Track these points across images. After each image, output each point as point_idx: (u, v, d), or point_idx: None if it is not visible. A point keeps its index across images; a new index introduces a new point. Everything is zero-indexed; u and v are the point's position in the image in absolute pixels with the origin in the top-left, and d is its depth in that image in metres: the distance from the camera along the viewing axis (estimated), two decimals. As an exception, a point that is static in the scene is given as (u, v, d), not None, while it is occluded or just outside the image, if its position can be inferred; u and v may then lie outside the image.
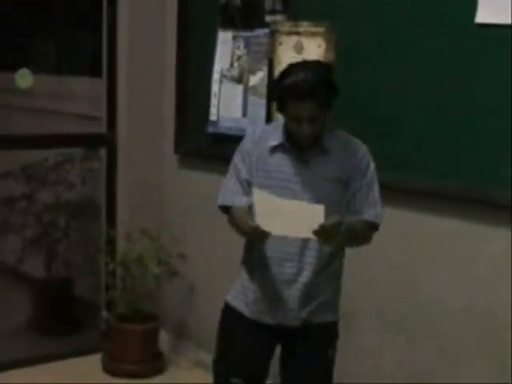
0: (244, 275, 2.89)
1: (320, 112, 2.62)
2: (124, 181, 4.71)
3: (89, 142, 4.96)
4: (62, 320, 5.19)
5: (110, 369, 4.46)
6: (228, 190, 2.83)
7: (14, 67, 5.19)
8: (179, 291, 4.63)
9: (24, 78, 5.10)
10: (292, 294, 2.77)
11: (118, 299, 4.53)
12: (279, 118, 3.83)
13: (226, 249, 4.19)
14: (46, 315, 5.21)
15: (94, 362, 4.54)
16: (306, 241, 2.70)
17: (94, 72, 5.07)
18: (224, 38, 4.22)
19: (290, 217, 2.50)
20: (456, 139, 3.21)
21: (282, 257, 2.74)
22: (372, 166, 2.78)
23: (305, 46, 3.73)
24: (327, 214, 2.50)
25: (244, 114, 4.13)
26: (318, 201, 2.59)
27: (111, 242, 4.65)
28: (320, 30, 3.64)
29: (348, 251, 2.86)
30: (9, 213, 5.38)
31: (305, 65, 2.68)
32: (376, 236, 2.77)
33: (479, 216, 3.18)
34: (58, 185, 5.31)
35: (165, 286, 4.47)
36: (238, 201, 2.78)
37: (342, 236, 2.56)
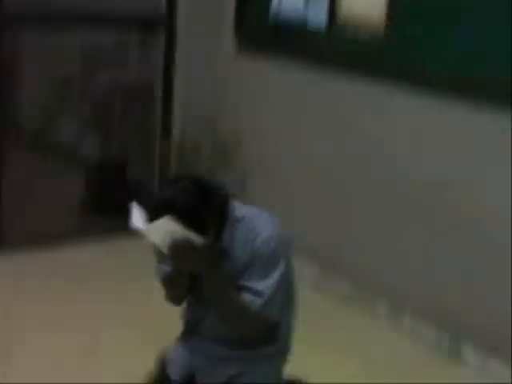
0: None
1: None
2: (182, 66, 4.67)
3: (148, 22, 4.89)
4: (114, 201, 5.25)
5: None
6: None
7: None
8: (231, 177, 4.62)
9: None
10: (211, 350, 2.47)
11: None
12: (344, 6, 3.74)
13: (277, 138, 4.24)
14: (100, 196, 5.28)
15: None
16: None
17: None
18: None
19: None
20: None
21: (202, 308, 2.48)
22: (268, 253, 2.32)
23: None
24: None
25: (306, 5, 4.06)
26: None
27: (167, 129, 4.66)
28: None
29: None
30: (66, 94, 5.41)
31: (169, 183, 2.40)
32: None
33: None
34: (115, 68, 5.31)
35: (218, 172, 4.47)
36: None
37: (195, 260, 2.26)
